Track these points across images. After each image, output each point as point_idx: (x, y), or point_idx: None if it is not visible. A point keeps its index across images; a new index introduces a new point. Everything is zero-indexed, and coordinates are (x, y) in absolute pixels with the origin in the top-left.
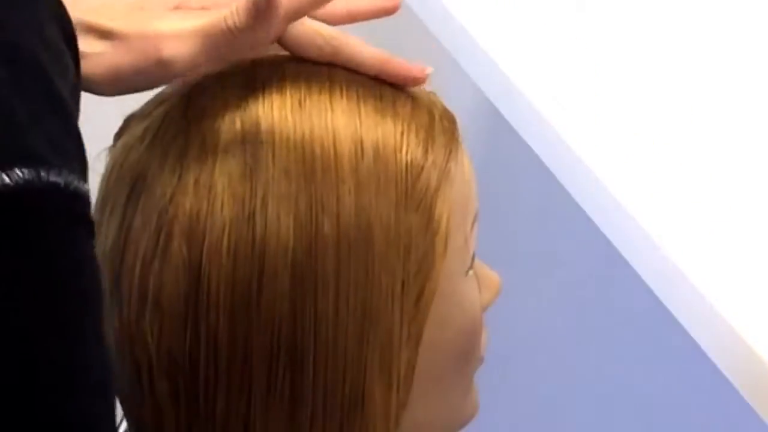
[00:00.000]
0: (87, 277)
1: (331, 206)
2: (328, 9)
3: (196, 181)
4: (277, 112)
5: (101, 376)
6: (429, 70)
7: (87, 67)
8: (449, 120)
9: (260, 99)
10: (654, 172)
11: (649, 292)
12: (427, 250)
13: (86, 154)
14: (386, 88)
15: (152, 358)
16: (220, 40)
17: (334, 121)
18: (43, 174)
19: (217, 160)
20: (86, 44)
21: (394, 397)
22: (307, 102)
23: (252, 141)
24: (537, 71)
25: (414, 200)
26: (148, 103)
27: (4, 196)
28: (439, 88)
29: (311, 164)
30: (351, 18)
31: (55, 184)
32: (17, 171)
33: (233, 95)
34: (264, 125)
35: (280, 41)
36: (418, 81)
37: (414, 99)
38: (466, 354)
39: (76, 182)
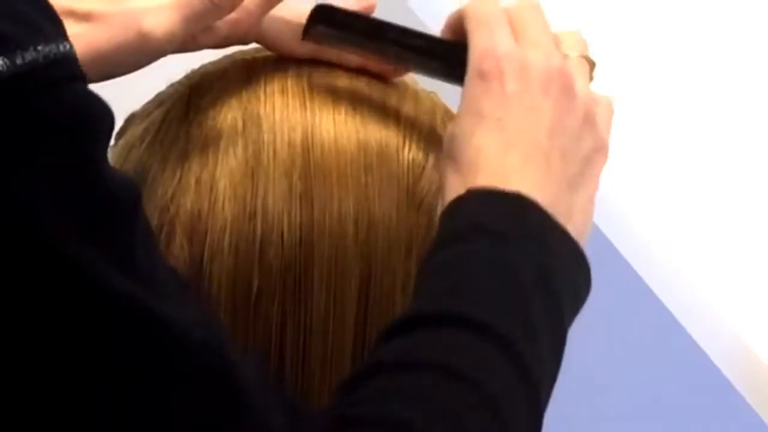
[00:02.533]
0: (96, 106)
1: (332, 206)
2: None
3: (197, 181)
4: (279, 111)
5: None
6: None
7: None
8: (450, 119)
9: (262, 99)
10: (655, 171)
11: (649, 291)
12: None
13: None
14: (389, 88)
15: None
16: (199, 10)
17: (336, 121)
18: (17, 59)
19: (219, 160)
20: (66, 27)
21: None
22: (309, 102)
23: (254, 141)
24: None
25: (415, 200)
26: (148, 103)
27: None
28: (438, 87)
29: (313, 164)
30: None
31: (33, 62)
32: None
33: (234, 95)
34: (266, 125)
35: (260, 39)
36: (399, 72)
37: (416, 99)
38: None
39: (51, 48)
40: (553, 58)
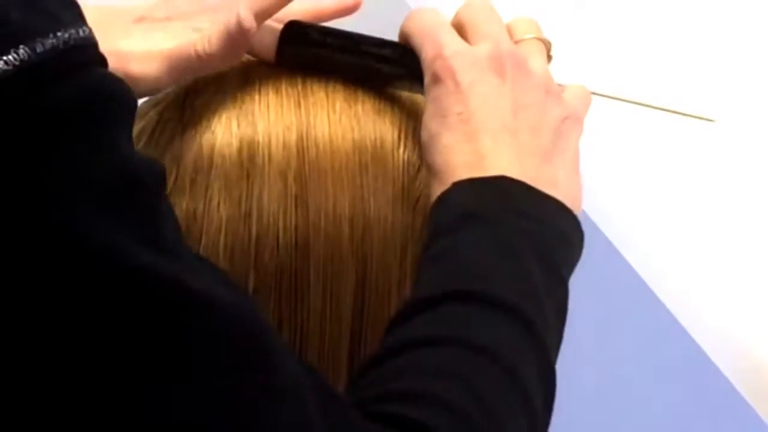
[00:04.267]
0: (117, 88)
1: (327, 206)
2: (293, 10)
3: (193, 181)
4: (274, 112)
5: None
6: None
7: None
8: None
9: (256, 99)
10: (655, 172)
11: (648, 291)
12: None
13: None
14: (385, 88)
15: None
16: (187, 64)
17: (331, 121)
18: (38, 46)
19: (213, 160)
20: None
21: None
22: (304, 102)
23: (248, 141)
24: None
25: (411, 200)
26: (143, 104)
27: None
28: None
29: (308, 165)
30: (316, 19)
31: (54, 48)
32: (13, 54)
33: (229, 96)
34: (260, 126)
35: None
36: (353, 7)
37: (411, 98)
38: None
39: (70, 33)
40: (502, 44)
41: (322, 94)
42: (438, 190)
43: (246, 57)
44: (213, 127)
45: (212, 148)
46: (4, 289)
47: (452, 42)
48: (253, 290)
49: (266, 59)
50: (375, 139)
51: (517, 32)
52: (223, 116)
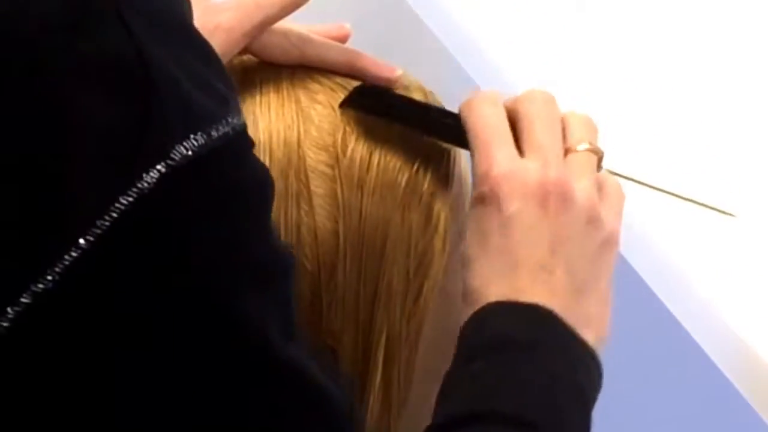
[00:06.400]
0: (267, 173)
1: (329, 207)
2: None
3: None
4: (275, 112)
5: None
6: (399, 71)
7: None
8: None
9: (257, 99)
10: (655, 172)
11: (649, 290)
12: (426, 249)
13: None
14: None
15: None
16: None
17: (331, 119)
18: (213, 132)
19: None
20: None
21: (394, 394)
22: (305, 101)
23: (249, 140)
24: (537, 71)
25: (414, 198)
26: None
27: (190, 164)
28: (438, 87)
29: (309, 165)
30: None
31: (226, 135)
32: (192, 140)
33: None
34: (262, 125)
35: (247, 49)
36: (388, 82)
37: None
38: None
39: (236, 119)
40: (550, 168)
41: (323, 96)
42: (470, 309)
43: (247, 57)
44: None
45: None
46: (158, 349)
47: (503, 160)
48: None
49: (267, 60)
50: (376, 140)
51: (572, 137)
52: None
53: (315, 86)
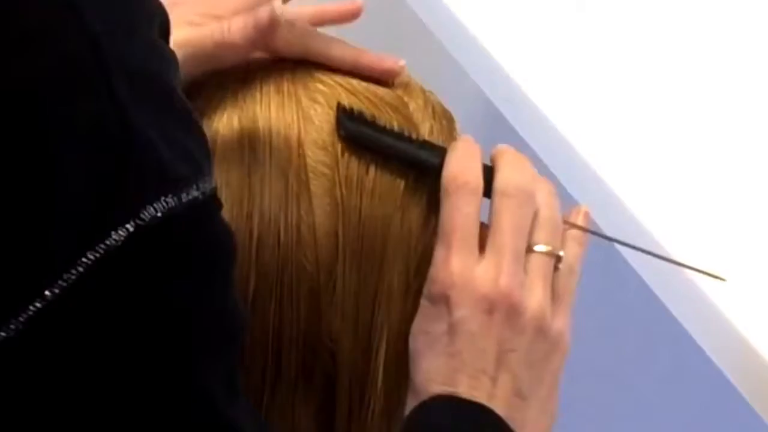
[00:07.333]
0: (232, 237)
1: (330, 206)
2: (296, 12)
3: None
4: (275, 110)
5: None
6: (402, 62)
7: None
8: (447, 119)
9: (258, 97)
10: (656, 172)
11: (649, 290)
12: (426, 249)
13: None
14: (386, 87)
15: None
16: (203, 53)
17: (332, 119)
18: (183, 196)
19: (215, 160)
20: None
21: (394, 394)
22: (305, 100)
23: (250, 140)
24: (537, 71)
25: (415, 197)
26: None
27: (158, 227)
28: (438, 87)
29: (309, 165)
30: (318, 22)
31: (195, 200)
32: (162, 201)
33: (230, 94)
34: (262, 123)
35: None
36: (392, 73)
37: (413, 98)
38: None
39: (207, 184)
40: (502, 276)
41: (323, 94)
42: (414, 400)
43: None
44: (214, 126)
45: (214, 146)
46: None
47: (457, 266)
48: (254, 290)
49: (270, 53)
50: None
51: (535, 235)
52: (225, 115)
53: (316, 86)
